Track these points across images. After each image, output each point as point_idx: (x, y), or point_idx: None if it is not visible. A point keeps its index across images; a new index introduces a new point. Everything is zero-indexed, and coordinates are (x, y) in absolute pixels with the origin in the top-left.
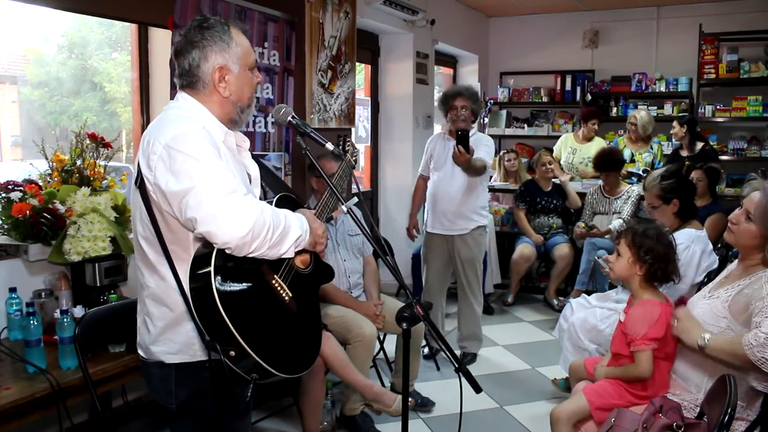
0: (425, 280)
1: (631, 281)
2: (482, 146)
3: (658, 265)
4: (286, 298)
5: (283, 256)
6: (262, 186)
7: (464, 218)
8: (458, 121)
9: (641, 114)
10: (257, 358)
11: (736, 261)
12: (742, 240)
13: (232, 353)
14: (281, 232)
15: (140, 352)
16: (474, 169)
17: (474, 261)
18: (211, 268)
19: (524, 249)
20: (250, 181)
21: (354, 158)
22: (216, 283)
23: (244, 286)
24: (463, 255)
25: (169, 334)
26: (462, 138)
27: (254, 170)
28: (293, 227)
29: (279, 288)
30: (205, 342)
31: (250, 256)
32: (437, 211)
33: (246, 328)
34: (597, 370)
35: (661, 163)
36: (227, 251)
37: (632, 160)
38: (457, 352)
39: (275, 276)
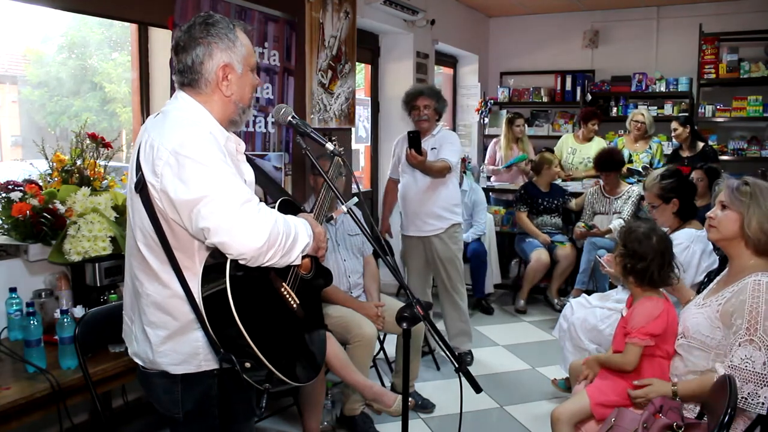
0: (407, 284)
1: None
2: (447, 144)
3: (628, 260)
4: (294, 305)
5: (291, 264)
6: (260, 188)
7: (437, 218)
8: (421, 121)
9: (644, 112)
10: (273, 369)
11: (726, 270)
12: (724, 229)
13: (248, 365)
14: (292, 241)
15: (138, 361)
16: (433, 171)
17: (454, 259)
18: (227, 280)
19: (541, 255)
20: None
21: (341, 161)
22: (232, 295)
23: (257, 296)
24: (442, 254)
25: (173, 344)
26: (413, 140)
27: (249, 175)
28: (301, 234)
29: (287, 295)
30: (220, 355)
31: (263, 266)
32: (409, 213)
33: (261, 339)
34: (588, 360)
35: (661, 163)
36: (241, 262)
37: (630, 161)
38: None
39: (283, 284)
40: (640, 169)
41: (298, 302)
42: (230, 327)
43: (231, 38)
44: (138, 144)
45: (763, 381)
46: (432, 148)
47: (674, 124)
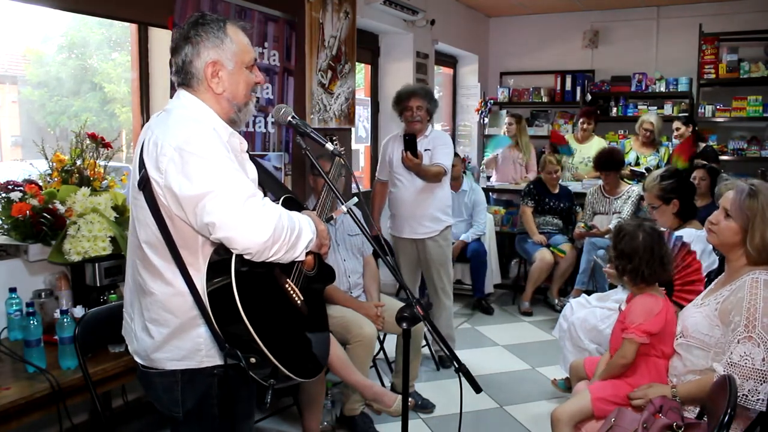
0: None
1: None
2: (440, 146)
3: (619, 261)
4: (299, 301)
5: (295, 259)
6: (260, 186)
7: (433, 220)
8: (413, 122)
9: (654, 119)
10: (278, 365)
11: (724, 271)
12: (724, 238)
13: (253, 360)
14: (296, 235)
15: (138, 359)
16: (429, 175)
17: (446, 261)
18: (233, 276)
19: (545, 254)
20: None
21: (342, 161)
22: (237, 290)
23: (262, 292)
24: (435, 257)
25: (175, 341)
26: (409, 143)
27: (252, 173)
28: (305, 230)
29: (292, 292)
30: (226, 350)
31: (267, 260)
32: (405, 215)
33: (266, 335)
34: (595, 373)
35: None
36: (246, 257)
37: (637, 164)
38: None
39: (287, 280)
40: (644, 171)
41: (302, 299)
42: (236, 322)
43: (219, 36)
44: (141, 142)
45: (763, 377)
46: (425, 150)
47: (677, 124)
